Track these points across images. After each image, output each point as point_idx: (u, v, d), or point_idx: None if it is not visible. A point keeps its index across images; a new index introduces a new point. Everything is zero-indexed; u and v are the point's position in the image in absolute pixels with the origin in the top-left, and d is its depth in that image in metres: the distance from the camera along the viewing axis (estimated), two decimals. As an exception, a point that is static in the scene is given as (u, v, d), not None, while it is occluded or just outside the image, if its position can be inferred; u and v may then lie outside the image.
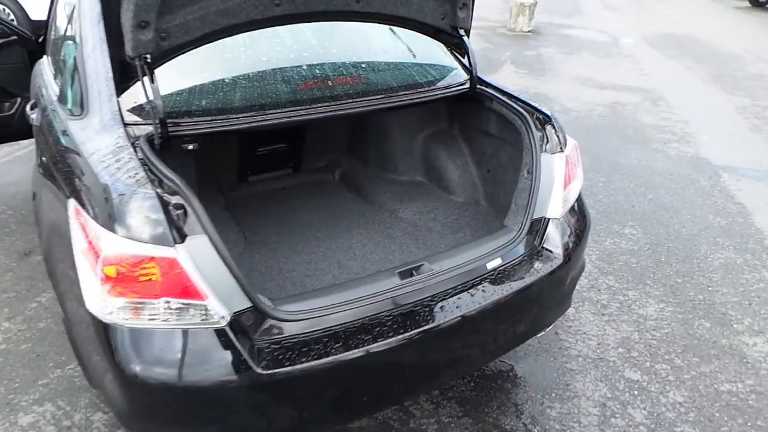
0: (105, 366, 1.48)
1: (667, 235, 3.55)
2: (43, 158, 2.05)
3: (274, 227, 2.53)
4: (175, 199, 1.44)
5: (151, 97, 1.64)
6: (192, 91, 1.89)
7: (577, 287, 2.31)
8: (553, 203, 1.95)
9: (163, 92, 1.68)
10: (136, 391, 1.45)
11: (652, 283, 3.07)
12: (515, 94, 2.27)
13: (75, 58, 1.89)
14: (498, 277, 1.79)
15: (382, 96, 2.10)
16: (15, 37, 3.03)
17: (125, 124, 1.69)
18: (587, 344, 2.59)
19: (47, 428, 2.04)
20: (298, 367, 1.47)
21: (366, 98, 2.06)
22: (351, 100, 2.03)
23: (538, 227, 1.94)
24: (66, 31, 2.21)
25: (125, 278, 1.38)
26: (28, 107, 2.39)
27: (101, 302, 1.40)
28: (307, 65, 2.14)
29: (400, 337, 1.58)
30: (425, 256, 2.00)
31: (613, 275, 3.12)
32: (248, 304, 1.47)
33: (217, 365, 1.42)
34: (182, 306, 1.41)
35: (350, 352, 1.52)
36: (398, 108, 2.17)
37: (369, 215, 2.65)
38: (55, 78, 2.32)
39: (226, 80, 1.96)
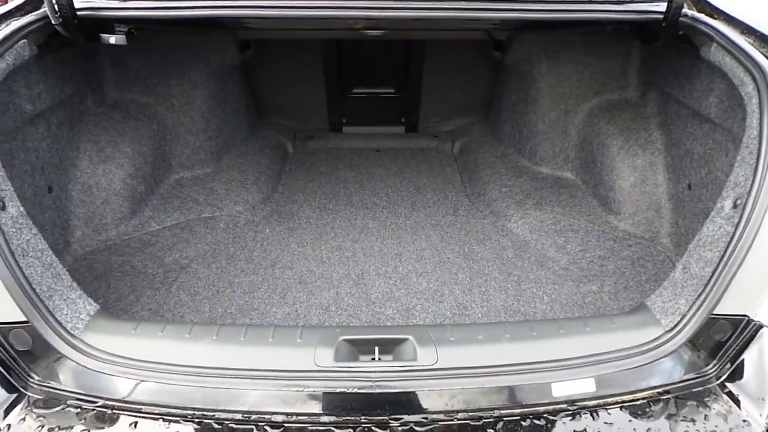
0: None
1: None
2: None
3: (321, 199, 1.88)
4: None
5: None
6: None
7: None
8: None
9: None
10: None
11: None
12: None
13: None
14: (569, 421, 0.85)
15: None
16: None
17: None
18: None
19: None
20: None
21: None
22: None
23: (725, 336, 0.90)
24: None
25: None
26: None
27: None
28: None
29: None
30: (435, 324, 1.26)
31: None
32: (20, 318, 0.94)
33: None
34: None
35: None
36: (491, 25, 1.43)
37: (463, 215, 1.77)
38: None
39: None
